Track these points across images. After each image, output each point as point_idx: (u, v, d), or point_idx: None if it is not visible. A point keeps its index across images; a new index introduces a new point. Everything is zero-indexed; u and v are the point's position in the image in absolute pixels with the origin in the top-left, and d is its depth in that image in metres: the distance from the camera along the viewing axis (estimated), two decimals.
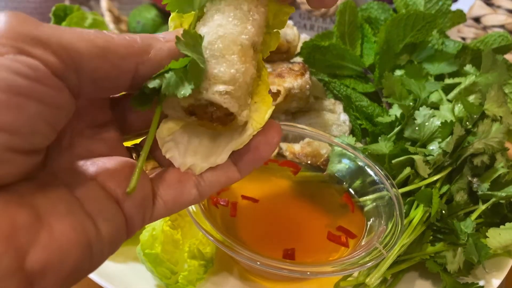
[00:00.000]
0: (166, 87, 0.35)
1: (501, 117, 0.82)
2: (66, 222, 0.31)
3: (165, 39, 0.37)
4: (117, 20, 1.35)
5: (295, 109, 0.95)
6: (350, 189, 0.78)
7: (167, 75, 0.35)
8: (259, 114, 0.40)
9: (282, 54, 1.04)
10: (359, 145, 0.89)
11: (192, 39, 0.36)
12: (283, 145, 0.85)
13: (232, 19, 0.39)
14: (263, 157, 0.42)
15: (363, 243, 0.66)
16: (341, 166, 0.80)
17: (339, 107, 1.01)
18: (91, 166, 0.36)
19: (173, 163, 0.40)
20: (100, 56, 0.32)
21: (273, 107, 0.41)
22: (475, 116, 0.81)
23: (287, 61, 1.07)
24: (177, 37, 0.36)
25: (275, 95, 0.89)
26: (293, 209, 0.74)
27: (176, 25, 0.42)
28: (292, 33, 1.03)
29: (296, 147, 0.85)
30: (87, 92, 0.33)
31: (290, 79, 0.91)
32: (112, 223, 0.34)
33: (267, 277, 0.70)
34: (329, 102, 1.02)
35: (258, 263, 0.57)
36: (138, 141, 0.44)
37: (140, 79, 0.36)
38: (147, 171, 0.42)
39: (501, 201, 0.75)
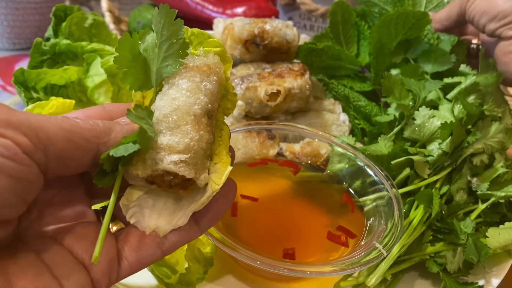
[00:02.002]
0: (116, 151, 0.38)
1: (500, 117, 0.82)
2: (35, 286, 0.34)
3: (125, 122, 0.42)
4: (117, 21, 1.36)
5: (295, 109, 0.95)
6: (350, 189, 0.78)
7: (119, 146, 0.38)
8: (218, 175, 0.43)
9: (282, 55, 1.04)
10: (358, 145, 0.89)
11: (143, 113, 0.40)
12: (283, 145, 0.85)
13: (185, 91, 0.42)
14: (222, 212, 0.47)
15: (363, 243, 0.66)
16: (341, 166, 0.80)
17: (339, 107, 1.01)
18: (59, 232, 0.40)
19: (138, 227, 0.43)
20: (66, 138, 0.36)
21: (231, 167, 0.44)
22: (475, 117, 0.82)
23: (287, 61, 1.07)
24: (128, 110, 0.39)
25: (275, 95, 0.89)
26: (293, 209, 0.74)
27: (137, 99, 0.46)
28: (292, 33, 1.03)
29: (296, 147, 0.86)
30: (53, 170, 0.36)
31: (290, 79, 0.91)
32: (79, 286, 0.37)
33: (267, 276, 0.70)
34: (329, 102, 1.02)
35: (258, 262, 0.57)
36: (107, 203, 0.46)
37: None
38: (113, 231, 0.45)
39: (501, 201, 0.76)
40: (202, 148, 0.42)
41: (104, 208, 0.46)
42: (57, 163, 0.36)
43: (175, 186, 0.41)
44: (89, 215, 0.44)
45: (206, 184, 0.43)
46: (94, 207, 0.45)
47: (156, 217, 0.43)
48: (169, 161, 0.39)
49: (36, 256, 0.37)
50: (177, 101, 0.42)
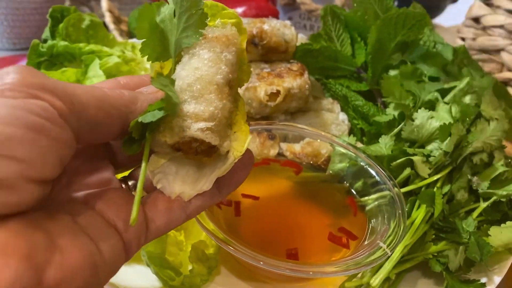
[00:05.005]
0: (144, 118, 0.39)
1: (497, 119, 0.83)
2: (75, 245, 0.35)
3: (148, 92, 0.44)
4: (117, 21, 1.35)
5: (295, 109, 0.95)
6: (352, 189, 0.78)
7: (147, 113, 0.39)
8: (239, 143, 0.45)
9: (280, 54, 1.04)
10: (359, 144, 0.89)
11: (166, 80, 0.41)
12: (284, 145, 0.85)
13: (207, 61, 0.43)
14: (242, 179, 0.49)
15: (366, 243, 0.66)
16: (342, 166, 0.80)
17: (337, 106, 1.01)
18: (89, 198, 0.41)
19: (164, 192, 0.44)
20: (97, 105, 0.37)
21: (251, 136, 0.45)
22: (472, 117, 0.82)
23: (286, 61, 1.07)
24: (152, 78, 0.40)
25: (274, 95, 0.89)
26: (296, 209, 0.74)
27: (156, 70, 0.46)
28: (290, 33, 1.02)
29: (297, 147, 0.85)
30: (84, 137, 0.37)
31: (289, 79, 0.91)
32: (113, 247, 0.38)
33: (270, 277, 0.70)
34: (327, 102, 1.02)
35: (261, 263, 0.57)
36: (127, 173, 0.48)
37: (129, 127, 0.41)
38: None
39: (502, 199, 0.76)
40: (225, 116, 0.43)
41: (125, 178, 0.47)
42: (88, 130, 0.37)
43: (200, 152, 0.42)
44: (114, 182, 0.45)
45: (227, 152, 0.44)
46: (117, 176, 0.46)
47: (180, 183, 0.44)
48: (196, 128, 0.40)
49: (72, 218, 0.38)
50: (199, 71, 0.43)
